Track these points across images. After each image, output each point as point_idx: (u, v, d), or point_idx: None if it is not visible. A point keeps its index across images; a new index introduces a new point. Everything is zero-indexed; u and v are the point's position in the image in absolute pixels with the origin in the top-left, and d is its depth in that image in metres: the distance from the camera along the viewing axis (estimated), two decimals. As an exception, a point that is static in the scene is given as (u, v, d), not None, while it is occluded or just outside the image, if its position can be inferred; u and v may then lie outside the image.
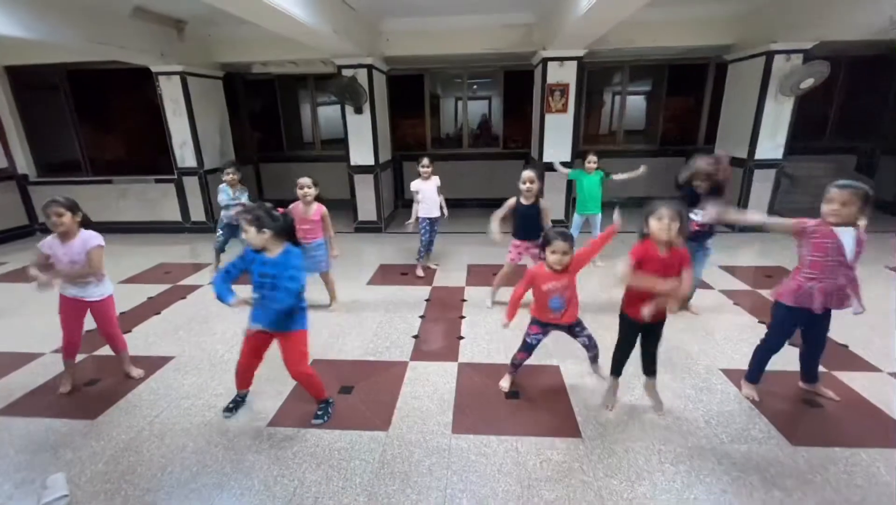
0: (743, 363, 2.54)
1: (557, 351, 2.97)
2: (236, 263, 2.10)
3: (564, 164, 5.59)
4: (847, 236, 2.08)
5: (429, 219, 4.40)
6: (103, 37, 4.53)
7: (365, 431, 2.24)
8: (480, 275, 4.38)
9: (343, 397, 2.53)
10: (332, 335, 3.25)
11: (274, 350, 2.24)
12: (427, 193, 4.33)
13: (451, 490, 1.87)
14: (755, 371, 2.45)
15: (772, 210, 5.70)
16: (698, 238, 3.16)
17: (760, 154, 5.46)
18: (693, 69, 7.00)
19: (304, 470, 2.00)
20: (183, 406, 2.48)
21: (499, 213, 3.43)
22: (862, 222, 2.09)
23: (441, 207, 4.39)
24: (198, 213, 6.28)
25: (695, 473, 1.94)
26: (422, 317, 3.55)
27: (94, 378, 2.75)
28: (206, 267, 4.78)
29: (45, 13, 4.04)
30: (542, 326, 2.44)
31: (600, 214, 4.52)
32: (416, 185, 4.36)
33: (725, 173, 3.11)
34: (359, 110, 5.72)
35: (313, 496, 1.86)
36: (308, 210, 3.37)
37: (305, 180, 3.30)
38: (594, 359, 2.59)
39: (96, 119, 6.86)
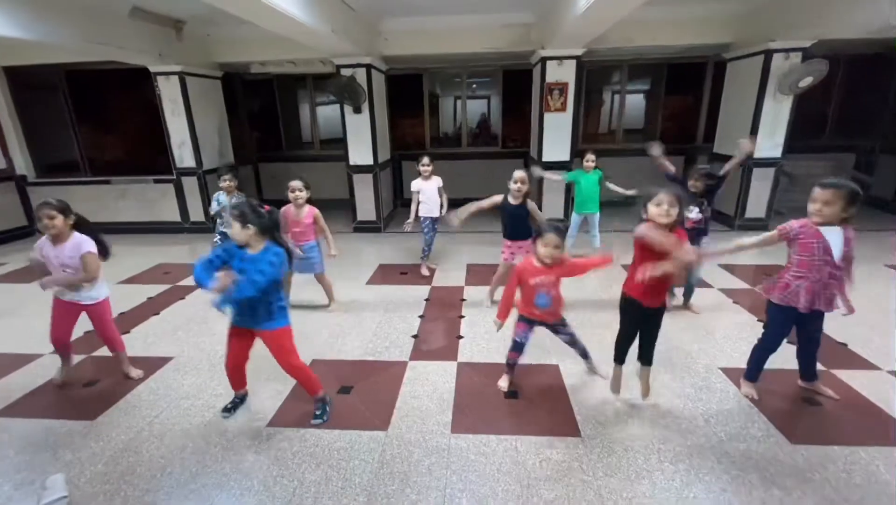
0: (742, 362, 2.54)
1: (556, 350, 2.96)
2: (220, 255, 2.08)
3: (553, 165, 5.61)
4: (834, 236, 2.09)
5: (430, 218, 4.39)
6: (101, 37, 4.52)
7: (364, 430, 2.24)
8: (480, 274, 4.38)
9: (342, 397, 2.53)
10: (331, 335, 3.25)
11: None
12: (428, 193, 4.32)
13: (451, 490, 1.87)
14: (753, 370, 2.45)
15: (771, 209, 5.70)
16: (693, 237, 3.16)
17: (759, 153, 5.44)
18: (692, 68, 7.00)
19: (304, 470, 2.00)
20: (182, 406, 2.48)
21: (479, 204, 3.43)
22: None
23: (441, 207, 4.39)
24: (197, 214, 6.27)
25: (694, 472, 1.94)
26: (421, 317, 3.55)
27: (93, 379, 2.75)
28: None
29: (42, 14, 4.04)
30: (528, 322, 2.44)
31: (598, 214, 4.52)
32: (416, 184, 4.36)
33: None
34: (357, 110, 5.72)
35: (313, 496, 1.86)
36: (300, 213, 3.36)
37: (296, 183, 3.29)
38: (584, 356, 2.60)
39: (95, 119, 6.85)
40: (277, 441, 2.18)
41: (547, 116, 5.64)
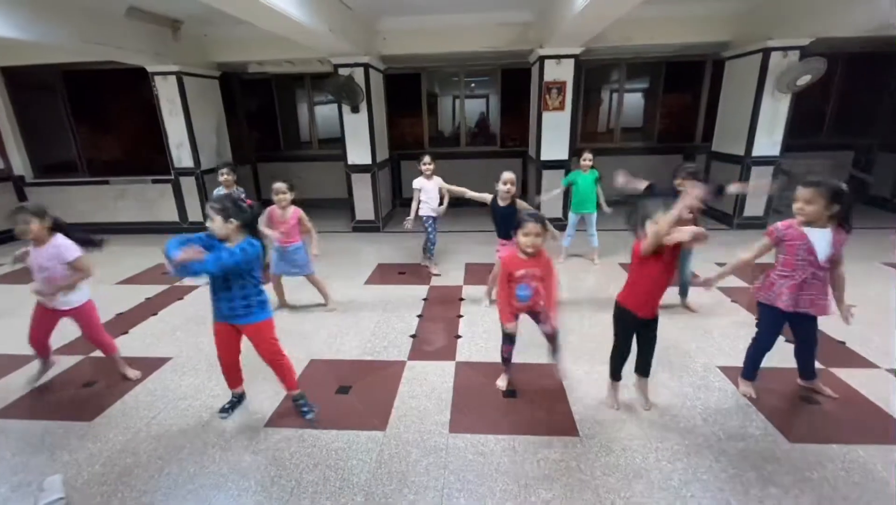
0: (741, 360, 2.54)
1: (555, 349, 2.97)
2: (201, 238, 2.07)
3: (551, 164, 5.62)
4: (819, 237, 2.09)
5: (432, 217, 4.39)
6: (98, 37, 4.51)
7: (362, 431, 2.24)
8: (478, 274, 4.38)
9: (341, 397, 2.53)
10: (329, 335, 3.25)
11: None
12: (430, 192, 4.32)
13: (448, 490, 1.87)
14: (750, 369, 2.45)
15: (770, 207, 5.71)
16: None
17: (757, 151, 5.46)
18: (690, 66, 6.99)
19: (302, 470, 1.99)
20: (180, 407, 2.47)
21: (469, 193, 3.49)
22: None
23: (440, 206, 4.38)
24: (195, 214, 6.27)
25: (692, 471, 1.94)
26: (420, 316, 3.54)
27: (90, 380, 2.75)
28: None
29: (39, 14, 4.02)
30: (511, 341, 2.46)
31: (595, 213, 4.51)
32: (418, 182, 4.35)
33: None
34: (355, 109, 5.71)
35: (310, 497, 1.86)
36: (285, 214, 3.40)
37: (280, 185, 3.33)
38: (554, 352, 2.53)
39: (93, 119, 6.84)
40: (275, 441, 2.18)
41: (545, 115, 5.64)
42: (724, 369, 2.69)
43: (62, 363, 2.91)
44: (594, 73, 7.22)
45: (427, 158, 4.33)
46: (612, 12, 3.81)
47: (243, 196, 4.32)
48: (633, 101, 7.55)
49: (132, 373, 2.75)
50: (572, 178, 4.49)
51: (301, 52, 5.63)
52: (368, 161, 5.99)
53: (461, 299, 3.85)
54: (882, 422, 2.24)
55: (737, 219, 5.82)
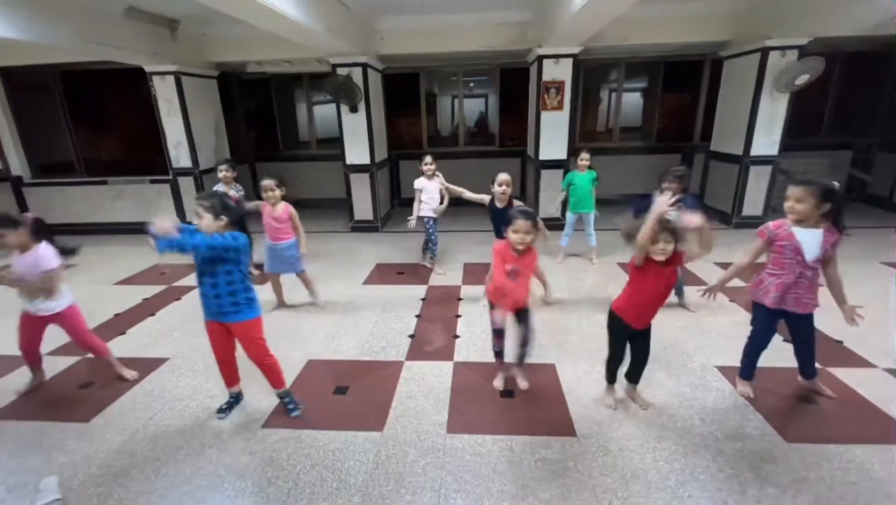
0: (739, 360, 2.53)
1: (553, 350, 2.97)
2: (191, 229, 2.07)
3: (550, 163, 5.65)
4: (808, 237, 2.09)
5: (433, 218, 4.38)
6: (96, 37, 4.50)
7: (360, 431, 2.24)
8: (477, 274, 4.37)
9: (338, 398, 2.52)
10: (327, 335, 3.24)
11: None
12: (431, 192, 4.31)
13: (446, 490, 1.87)
14: (747, 368, 2.45)
15: (768, 206, 5.70)
16: None
17: (756, 150, 5.46)
18: (689, 66, 6.99)
19: (299, 471, 1.99)
20: (177, 408, 2.47)
21: (468, 194, 3.52)
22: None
23: (440, 204, 4.37)
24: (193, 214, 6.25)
25: (689, 471, 1.94)
26: (418, 316, 3.54)
27: (87, 381, 2.74)
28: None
29: (37, 14, 4.01)
30: (501, 335, 2.47)
31: (593, 213, 4.51)
32: (419, 182, 4.34)
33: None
34: (354, 109, 5.70)
35: (307, 497, 1.86)
36: (275, 210, 3.41)
37: (269, 182, 3.36)
38: (520, 359, 2.50)
39: (91, 120, 6.82)
40: (272, 442, 2.17)
41: (544, 115, 5.63)
42: (722, 369, 2.69)
43: (59, 364, 2.91)
44: (593, 72, 7.22)
45: (428, 159, 4.32)
46: (609, 12, 3.80)
47: (242, 194, 4.32)
48: (632, 101, 7.55)
49: (129, 373, 2.74)
50: (570, 179, 4.49)
51: (299, 51, 5.62)
52: (367, 161, 5.98)
53: (459, 299, 3.85)
54: (880, 422, 2.24)
55: (735, 218, 5.82)
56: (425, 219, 4.37)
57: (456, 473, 1.96)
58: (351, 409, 2.42)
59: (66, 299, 2.52)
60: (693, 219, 1.95)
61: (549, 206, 4.80)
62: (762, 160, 5.49)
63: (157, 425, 2.33)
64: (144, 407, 2.49)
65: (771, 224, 2.20)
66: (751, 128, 5.40)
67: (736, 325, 3.24)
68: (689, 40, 5.59)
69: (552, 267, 4.52)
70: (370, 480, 1.93)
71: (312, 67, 6.35)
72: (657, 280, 2.02)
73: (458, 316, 3.52)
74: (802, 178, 2.08)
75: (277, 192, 3.38)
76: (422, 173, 4.35)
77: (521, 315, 2.41)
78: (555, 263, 4.65)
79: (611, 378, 2.39)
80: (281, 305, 3.71)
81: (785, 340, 2.85)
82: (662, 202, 1.89)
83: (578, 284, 4.16)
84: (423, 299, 3.87)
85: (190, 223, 2.09)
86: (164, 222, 1.91)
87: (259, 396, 2.49)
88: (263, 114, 7.85)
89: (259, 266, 3.84)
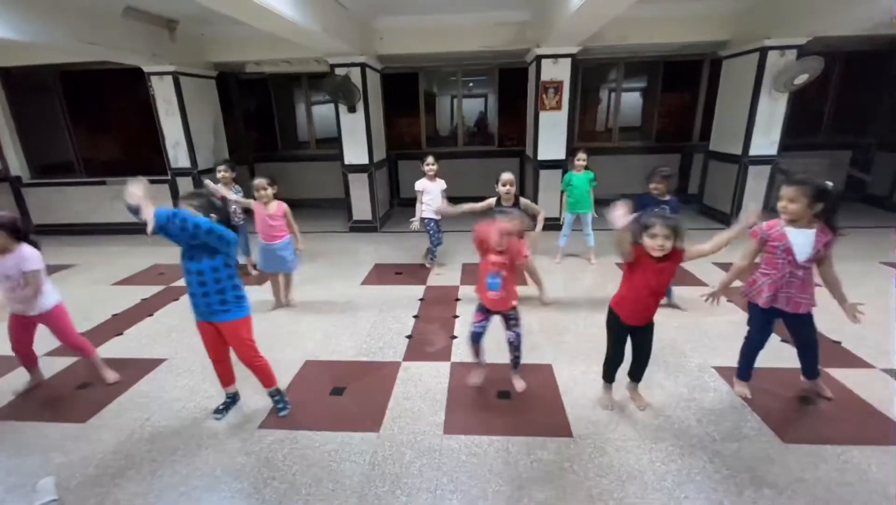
0: (736, 360, 2.53)
1: (550, 350, 2.97)
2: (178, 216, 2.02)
3: (548, 163, 5.69)
4: (800, 237, 2.09)
5: (434, 220, 4.36)
6: (95, 37, 4.49)
7: (356, 432, 2.24)
8: (475, 274, 4.35)
9: (335, 399, 2.52)
10: (325, 336, 3.24)
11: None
12: (432, 193, 4.29)
13: (441, 491, 1.87)
14: (744, 368, 2.45)
15: (767, 206, 5.69)
16: None
17: (755, 150, 5.45)
18: (688, 66, 6.98)
19: (295, 472, 1.99)
20: (174, 409, 2.47)
21: (473, 206, 3.43)
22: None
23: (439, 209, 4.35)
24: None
25: (685, 472, 1.94)
26: (416, 316, 3.54)
27: (85, 381, 2.74)
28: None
29: (35, 14, 4.01)
30: (484, 311, 2.41)
31: (591, 213, 4.51)
32: (421, 184, 4.32)
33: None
34: (352, 109, 5.70)
35: (303, 498, 1.85)
36: (268, 209, 3.42)
37: (261, 181, 3.38)
38: (515, 362, 2.51)
39: (90, 120, 6.82)
40: (268, 443, 2.17)
41: (542, 115, 5.63)
42: (720, 369, 2.68)
43: (57, 365, 2.91)
44: (592, 72, 7.21)
45: (430, 159, 4.30)
46: (607, 11, 3.80)
47: (241, 195, 4.32)
48: (631, 101, 7.54)
49: (111, 376, 2.71)
50: (567, 180, 4.50)
51: (298, 51, 5.63)
52: (365, 161, 5.98)
53: (457, 300, 3.85)
54: (877, 422, 2.23)
55: (734, 218, 5.81)
56: (426, 220, 4.36)
57: (452, 474, 1.95)
58: (347, 409, 2.42)
59: (52, 299, 2.50)
60: (619, 217, 1.93)
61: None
62: (761, 160, 5.49)
63: (153, 426, 2.33)
64: (142, 408, 2.49)
65: (764, 224, 2.20)
66: (750, 128, 5.40)
67: (734, 325, 3.23)
68: (688, 40, 5.58)
69: (550, 267, 4.52)
70: (366, 482, 1.93)
71: (311, 67, 6.36)
72: (650, 277, 2.02)
73: (456, 316, 3.52)
74: (795, 178, 2.07)
75: (269, 191, 3.39)
76: (423, 174, 4.34)
77: (509, 318, 2.41)
78: (553, 263, 4.65)
79: (608, 377, 2.36)
80: (279, 304, 3.71)
81: (783, 341, 2.85)
82: (618, 216, 1.90)
83: (576, 284, 4.16)
84: (421, 300, 3.86)
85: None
86: (135, 187, 1.81)
87: (255, 398, 2.49)
88: (262, 114, 7.85)
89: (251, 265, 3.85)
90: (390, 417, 2.35)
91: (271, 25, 3.72)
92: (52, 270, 2.55)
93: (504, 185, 3.30)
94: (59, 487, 1.93)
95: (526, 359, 2.79)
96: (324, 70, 5.93)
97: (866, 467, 1.94)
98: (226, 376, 2.40)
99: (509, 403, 2.45)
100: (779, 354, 2.74)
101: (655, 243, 1.93)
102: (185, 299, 3.93)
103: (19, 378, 2.72)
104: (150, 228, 1.86)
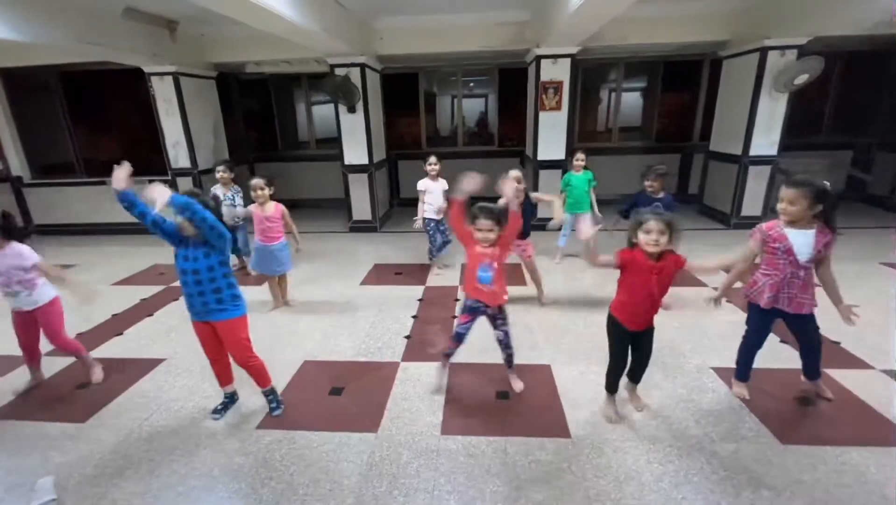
0: (735, 361, 2.53)
1: (549, 351, 2.97)
2: (168, 224, 2.06)
3: (548, 163, 5.68)
4: (800, 238, 2.08)
5: (435, 221, 4.34)
6: (95, 37, 4.50)
7: (354, 432, 2.24)
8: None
9: (333, 399, 2.52)
10: (324, 336, 3.25)
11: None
12: (434, 193, 4.27)
13: (439, 491, 1.87)
14: (742, 369, 2.44)
15: (767, 207, 5.69)
16: None
17: (755, 150, 5.45)
18: (688, 66, 6.97)
19: (293, 472, 1.99)
20: (173, 408, 2.47)
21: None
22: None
23: (440, 210, 4.34)
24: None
25: (683, 473, 1.94)
26: (414, 317, 3.54)
27: (84, 381, 2.74)
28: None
29: (35, 15, 4.02)
30: (470, 311, 2.41)
31: (590, 213, 4.50)
32: (423, 183, 4.31)
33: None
34: (352, 109, 5.70)
35: (301, 498, 1.86)
36: (265, 210, 3.42)
37: (257, 182, 3.38)
38: (509, 361, 2.52)
39: (90, 120, 6.83)
40: (266, 443, 2.18)
41: (542, 115, 5.62)
42: (718, 370, 2.68)
43: (57, 364, 2.91)
44: (592, 72, 7.20)
45: (433, 159, 4.28)
46: (606, 12, 3.80)
47: (241, 195, 4.33)
48: (632, 101, 7.53)
49: (96, 376, 2.73)
50: (567, 180, 4.50)
51: (298, 52, 5.63)
52: (365, 161, 5.98)
53: (457, 300, 3.84)
54: (876, 424, 2.23)
55: (734, 218, 5.80)
56: (426, 221, 4.35)
57: (449, 475, 1.95)
58: (346, 410, 2.42)
59: (50, 292, 2.53)
60: (584, 230, 1.99)
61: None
62: (761, 160, 5.48)
63: (152, 426, 2.33)
64: (141, 407, 2.49)
65: (763, 225, 2.19)
66: (750, 128, 5.39)
67: (733, 325, 3.22)
68: (688, 40, 5.58)
69: (550, 267, 4.51)
70: (363, 482, 1.93)
71: (311, 68, 6.36)
72: (647, 278, 2.00)
73: (455, 317, 3.52)
74: (795, 180, 2.06)
75: (266, 192, 3.39)
76: (424, 174, 4.33)
77: (496, 317, 2.40)
78: (553, 263, 4.64)
79: (611, 387, 2.29)
80: (278, 305, 3.72)
81: (782, 342, 2.85)
82: (584, 229, 1.96)
83: (576, 285, 4.16)
84: (420, 300, 3.86)
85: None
86: (157, 193, 1.88)
87: (254, 398, 2.49)
88: (262, 114, 7.86)
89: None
90: (388, 417, 2.35)
91: (270, 25, 3.72)
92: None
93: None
94: (58, 486, 1.94)
95: (525, 359, 2.80)
96: (324, 70, 5.94)
97: (865, 469, 1.94)
98: (224, 375, 2.40)
99: (507, 403, 2.45)
100: (777, 354, 2.74)
101: (650, 238, 1.93)
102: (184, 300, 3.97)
103: (20, 378, 2.73)
104: (160, 205, 1.91)
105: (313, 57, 5.81)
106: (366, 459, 2.06)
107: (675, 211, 3.41)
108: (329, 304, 3.80)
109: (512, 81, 7.07)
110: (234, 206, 4.22)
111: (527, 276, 3.82)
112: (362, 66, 5.58)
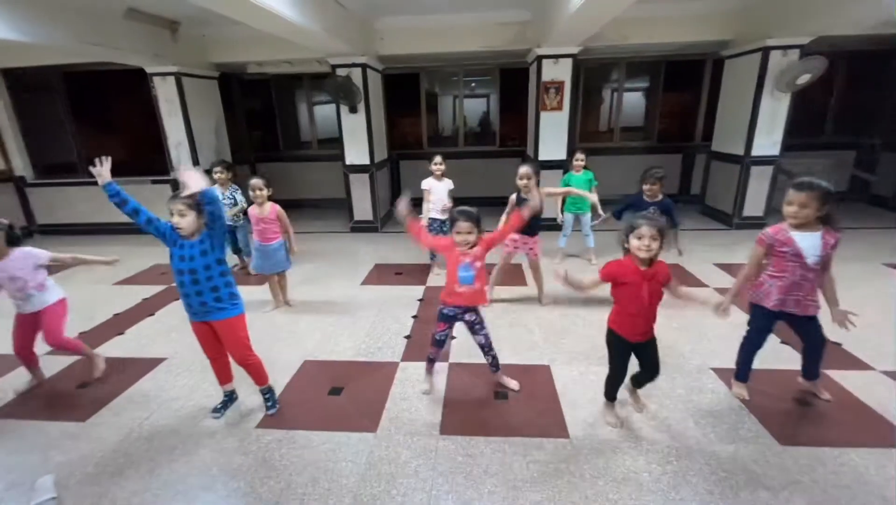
0: (735, 361, 2.52)
1: (548, 351, 2.96)
2: (163, 224, 2.10)
3: (549, 163, 5.67)
4: (808, 240, 2.07)
5: (439, 221, 4.32)
6: (97, 38, 4.52)
7: (353, 432, 2.24)
8: (475, 274, 4.36)
9: (333, 399, 2.53)
10: (324, 336, 3.25)
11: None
12: (438, 193, 4.26)
13: (437, 491, 1.87)
14: (742, 369, 2.44)
15: (769, 207, 5.67)
16: None
17: (757, 151, 5.43)
18: (690, 65, 6.96)
19: (291, 472, 2.00)
20: (173, 408, 2.48)
21: (506, 213, 3.48)
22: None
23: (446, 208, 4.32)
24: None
25: (681, 474, 1.93)
26: (414, 317, 3.54)
27: (84, 380, 2.76)
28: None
29: (37, 15, 4.04)
30: (446, 319, 2.40)
31: (590, 213, 4.50)
32: (427, 183, 4.30)
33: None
34: (353, 110, 5.71)
35: (299, 498, 1.86)
36: (262, 210, 3.43)
37: (256, 182, 3.38)
38: (494, 365, 2.51)
39: (92, 120, 6.86)
40: (266, 442, 2.18)
41: (543, 115, 5.62)
42: (718, 371, 2.67)
43: (57, 364, 2.93)
44: (594, 72, 7.19)
45: (438, 158, 4.26)
46: (607, 12, 3.79)
47: (239, 192, 4.34)
48: (633, 101, 7.52)
49: (99, 367, 2.76)
50: (566, 181, 4.49)
51: (299, 52, 5.64)
52: (366, 161, 5.99)
53: (457, 300, 3.84)
54: (876, 425, 2.22)
55: (736, 219, 5.79)
56: (429, 221, 4.34)
57: (448, 475, 1.96)
58: (345, 409, 2.43)
59: (57, 293, 2.57)
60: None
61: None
62: (763, 160, 5.46)
63: (152, 425, 2.35)
64: (141, 407, 2.50)
65: (769, 230, 2.17)
66: (752, 128, 5.37)
67: (733, 326, 3.18)
68: (689, 40, 5.56)
69: (549, 268, 4.50)
70: (362, 482, 1.94)
71: (313, 68, 6.37)
72: (636, 290, 1.96)
73: (455, 317, 3.52)
74: (804, 183, 2.03)
75: (265, 192, 3.40)
76: (426, 174, 4.32)
77: (473, 322, 2.40)
78: (553, 263, 4.64)
79: (610, 396, 2.28)
80: (278, 305, 3.73)
81: (783, 342, 2.84)
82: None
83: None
84: (420, 300, 3.87)
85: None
86: (193, 180, 1.90)
87: (253, 397, 2.50)
88: (264, 114, 7.88)
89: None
90: (387, 417, 2.35)
91: (270, 26, 3.73)
92: (54, 269, 2.58)
93: (521, 178, 3.31)
94: (58, 485, 1.94)
95: (524, 359, 2.81)
96: (325, 70, 5.95)
97: (864, 470, 1.93)
98: (223, 374, 2.41)
99: (506, 403, 2.45)
100: (777, 355, 2.74)
101: (642, 244, 1.91)
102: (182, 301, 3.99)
103: (20, 378, 2.74)
104: (191, 190, 1.93)
105: (315, 57, 5.82)
106: (365, 458, 2.07)
107: (676, 213, 3.42)
108: (329, 304, 3.80)
109: (513, 81, 7.07)
110: (236, 203, 4.24)
111: (528, 275, 3.81)
112: (363, 67, 5.59)
